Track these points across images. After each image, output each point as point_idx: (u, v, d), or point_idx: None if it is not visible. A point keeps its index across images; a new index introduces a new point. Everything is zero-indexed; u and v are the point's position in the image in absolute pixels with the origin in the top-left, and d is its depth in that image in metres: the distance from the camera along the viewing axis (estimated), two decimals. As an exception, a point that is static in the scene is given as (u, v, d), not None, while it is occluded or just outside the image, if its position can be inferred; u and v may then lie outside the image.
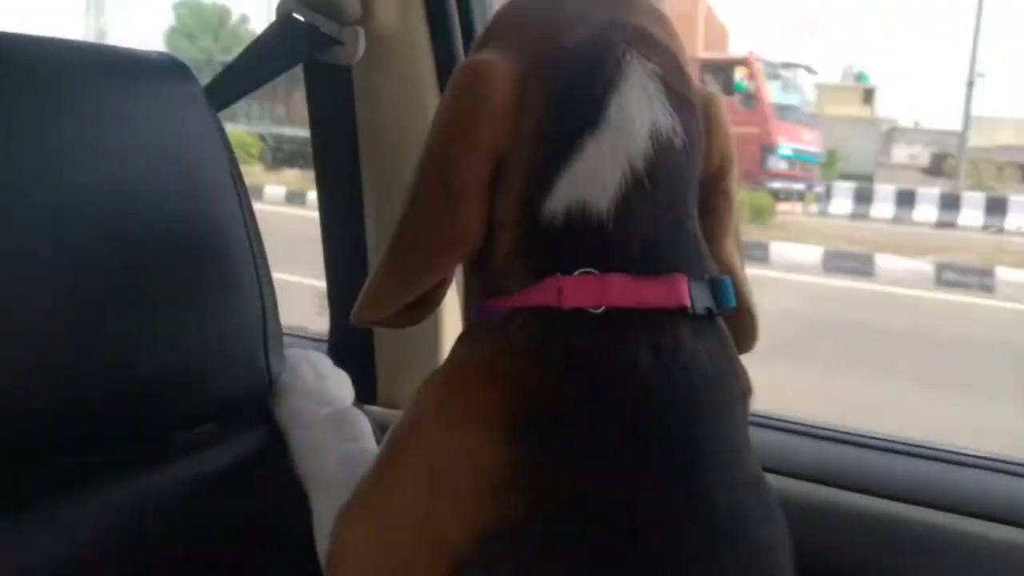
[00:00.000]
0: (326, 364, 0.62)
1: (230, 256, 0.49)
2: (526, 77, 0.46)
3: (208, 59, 10.32)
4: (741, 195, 0.56)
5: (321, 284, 0.91)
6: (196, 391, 0.48)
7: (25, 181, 0.38)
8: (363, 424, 0.57)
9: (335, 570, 0.47)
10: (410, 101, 0.84)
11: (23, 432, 0.38)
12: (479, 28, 0.85)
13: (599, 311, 0.43)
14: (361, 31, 0.78)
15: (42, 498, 0.40)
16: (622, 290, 0.43)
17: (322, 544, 0.49)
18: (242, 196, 0.50)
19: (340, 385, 0.62)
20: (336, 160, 0.61)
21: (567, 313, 0.43)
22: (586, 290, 0.43)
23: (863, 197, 9.35)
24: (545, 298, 0.44)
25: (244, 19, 13.43)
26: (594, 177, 0.45)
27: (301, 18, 0.79)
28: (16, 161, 0.37)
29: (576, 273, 0.44)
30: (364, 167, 0.85)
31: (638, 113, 0.46)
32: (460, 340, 0.50)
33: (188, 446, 0.49)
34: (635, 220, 0.45)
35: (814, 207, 9.40)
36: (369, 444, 0.55)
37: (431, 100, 0.83)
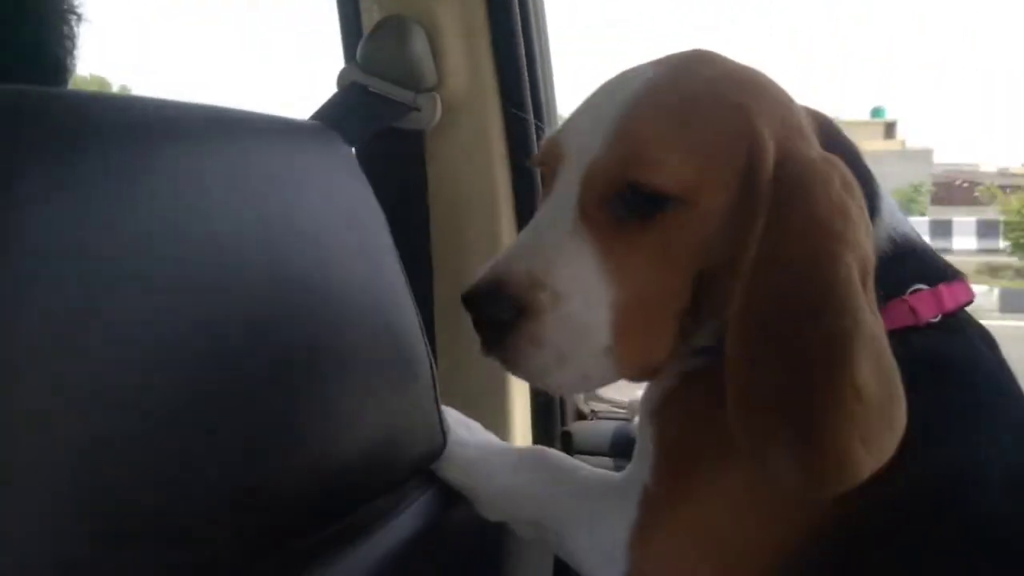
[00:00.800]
0: (455, 414, 0.62)
1: (402, 322, 0.49)
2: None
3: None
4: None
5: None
6: (387, 460, 0.48)
7: (204, 250, 0.37)
8: (555, 456, 0.57)
9: None
10: (479, 162, 0.84)
11: (221, 524, 0.37)
12: (545, 93, 0.85)
13: (936, 319, 0.49)
14: (438, 97, 0.79)
15: None
16: (949, 297, 0.49)
17: (596, 566, 0.51)
18: (397, 262, 0.50)
19: (483, 431, 0.62)
20: (405, 219, 0.60)
21: (922, 327, 0.48)
22: (929, 304, 0.49)
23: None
24: (902, 319, 0.48)
25: (124, 89, 13.56)
26: (895, 211, 0.52)
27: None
28: (185, 227, 0.37)
29: (911, 291, 0.49)
30: (433, 225, 0.86)
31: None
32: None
33: (376, 516, 0.49)
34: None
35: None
36: (585, 470, 0.56)
37: (499, 161, 0.84)
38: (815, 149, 0.47)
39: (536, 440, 0.94)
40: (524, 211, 0.85)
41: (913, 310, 0.48)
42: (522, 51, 0.82)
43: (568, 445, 0.93)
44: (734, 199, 0.46)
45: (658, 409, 0.51)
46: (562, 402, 0.93)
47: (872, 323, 0.42)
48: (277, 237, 0.41)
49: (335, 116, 0.80)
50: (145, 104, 0.41)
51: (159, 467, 0.33)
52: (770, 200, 0.44)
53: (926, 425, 0.42)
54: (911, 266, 0.50)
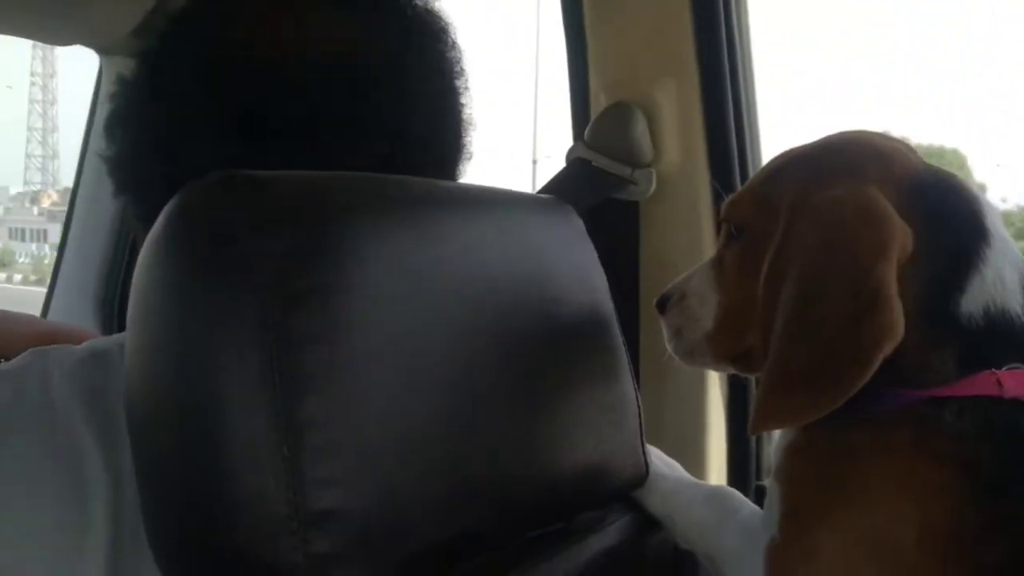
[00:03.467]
0: (657, 452, 0.69)
1: (619, 372, 0.58)
2: (899, 199, 0.54)
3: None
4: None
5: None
6: (597, 481, 0.55)
7: (480, 301, 0.48)
8: (739, 498, 0.63)
9: None
10: (689, 230, 0.93)
11: (450, 528, 0.45)
12: (752, 166, 0.93)
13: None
14: (653, 172, 0.89)
15: None
16: None
17: None
18: (614, 315, 0.60)
19: (681, 468, 0.70)
20: (617, 282, 0.70)
21: (1007, 401, 0.49)
22: (1021, 381, 0.50)
23: None
24: (986, 389, 0.50)
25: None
26: (1001, 281, 0.52)
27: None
28: (467, 284, 0.47)
29: (1005, 368, 0.50)
30: (643, 287, 0.95)
31: (1001, 224, 0.55)
32: (854, 426, 0.53)
33: (586, 527, 0.58)
34: None
35: None
36: (755, 515, 0.60)
37: (707, 228, 0.93)
38: (847, 187, 0.54)
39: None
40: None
41: (1000, 383, 0.49)
42: (732, 129, 0.91)
43: (761, 499, 0.97)
44: (775, 228, 0.56)
45: (783, 464, 0.56)
46: (757, 456, 0.98)
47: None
48: (528, 291, 0.52)
49: (563, 187, 0.92)
50: (429, 183, 0.55)
51: (425, 464, 0.43)
52: (784, 225, 0.55)
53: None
54: (1006, 343, 0.51)
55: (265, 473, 0.37)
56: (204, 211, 0.41)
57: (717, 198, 0.93)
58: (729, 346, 0.63)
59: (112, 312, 1.77)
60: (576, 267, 0.58)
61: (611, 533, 0.61)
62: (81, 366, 0.50)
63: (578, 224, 0.61)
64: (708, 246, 0.93)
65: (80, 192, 1.74)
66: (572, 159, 0.95)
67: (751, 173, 0.93)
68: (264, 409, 0.38)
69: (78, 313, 1.74)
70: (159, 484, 0.40)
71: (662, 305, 0.67)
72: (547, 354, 0.53)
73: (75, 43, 1.49)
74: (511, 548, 0.52)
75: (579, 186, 0.90)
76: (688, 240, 0.93)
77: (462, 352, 0.46)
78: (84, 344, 0.53)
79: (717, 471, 1.00)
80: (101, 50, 1.51)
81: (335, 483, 0.38)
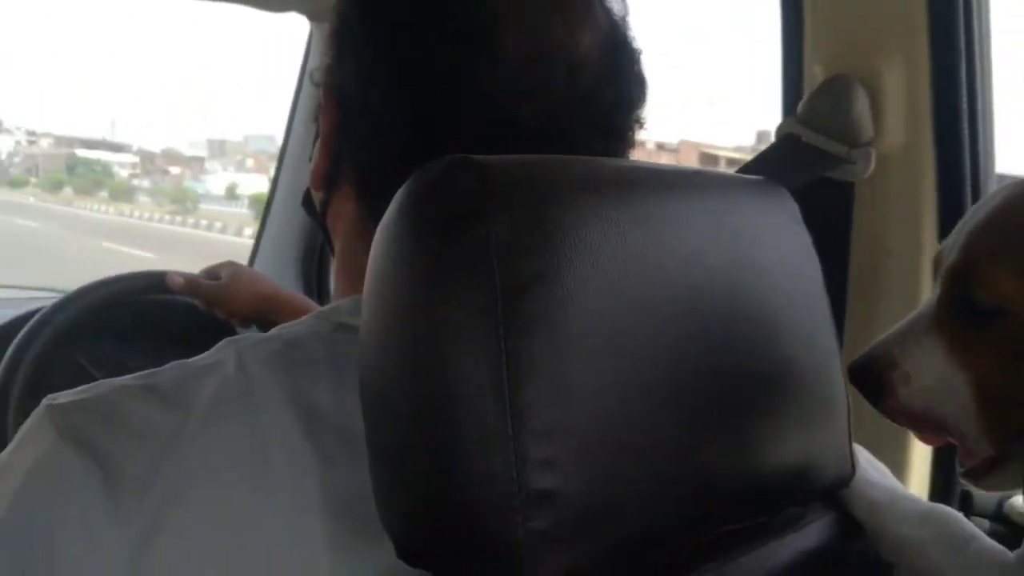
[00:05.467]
0: (865, 453, 0.66)
1: (828, 364, 0.56)
2: None
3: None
4: None
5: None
6: (801, 478, 0.54)
7: (691, 283, 0.47)
8: (958, 520, 0.60)
9: None
10: (907, 214, 0.87)
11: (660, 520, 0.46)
12: (984, 152, 0.86)
13: None
14: (872, 151, 0.84)
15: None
16: None
17: None
18: (827, 305, 0.58)
19: (890, 475, 0.66)
20: (826, 265, 0.67)
21: None
22: None
23: None
24: None
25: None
26: None
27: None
28: (680, 264, 0.47)
29: None
30: (852, 272, 0.90)
31: None
32: None
33: (787, 522, 0.57)
34: None
35: None
36: (979, 541, 0.58)
37: (928, 215, 0.86)
38: None
39: (932, 492, 0.93)
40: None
41: None
42: (963, 111, 0.83)
43: (967, 506, 0.91)
44: None
45: None
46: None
47: None
48: (740, 279, 0.51)
49: (771, 165, 0.88)
50: (642, 165, 0.54)
51: (638, 451, 0.44)
52: None
53: None
54: None
55: (492, 453, 0.39)
56: (435, 196, 0.43)
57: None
58: (1007, 423, 0.53)
59: (311, 270, 1.90)
60: (791, 255, 0.56)
61: (811, 533, 0.59)
62: (277, 356, 0.52)
63: (793, 209, 0.59)
64: (929, 236, 0.86)
65: (287, 154, 1.86)
66: (782, 135, 0.90)
67: (982, 160, 0.85)
68: (491, 391, 0.39)
69: (280, 267, 1.88)
70: (392, 458, 0.43)
71: (862, 373, 0.57)
72: (760, 345, 0.51)
73: (290, 10, 1.59)
74: (714, 537, 0.52)
75: (789, 164, 0.86)
76: (907, 225, 0.87)
77: (677, 341, 0.46)
78: (274, 332, 0.55)
79: (920, 472, 0.94)
80: (312, 16, 1.59)
81: (554, 465, 0.39)
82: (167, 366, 0.52)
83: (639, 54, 0.58)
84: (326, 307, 0.58)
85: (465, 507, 0.40)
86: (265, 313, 1.19)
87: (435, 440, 0.40)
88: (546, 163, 0.45)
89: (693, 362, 0.46)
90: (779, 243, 0.56)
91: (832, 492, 0.60)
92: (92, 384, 0.50)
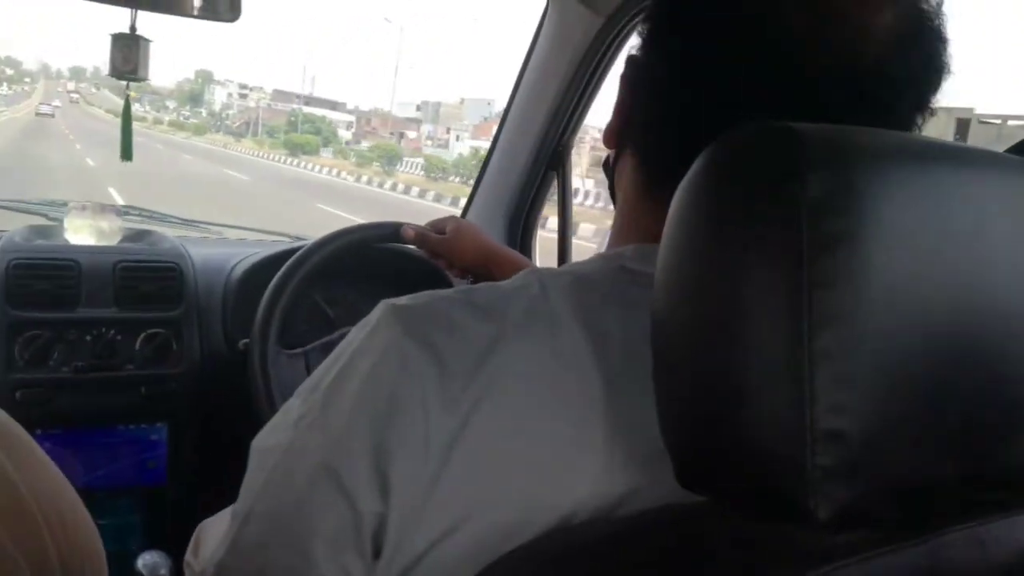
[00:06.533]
0: None
1: None
2: None
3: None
4: None
5: None
6: None
7: (978, 257, 0.49)
8: None
9: None
10: None
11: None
12: None
13: None
14: None
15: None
16: None
17: None
18: None
19: None
20: None
21: None
22: None
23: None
24: None
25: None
26: None
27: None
28: (971, 236, 0.48)
29: None
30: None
31: None
32: None
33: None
34: None
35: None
36: None
37: None
38: None
39: None
40: None
41: None
42: None
43: None
44: None
45: None
46: None
47: None
48: (1020, 253, 0.51)
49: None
50: (939, 141, 0.55)
51: (921, 406, 0.46)
52: None
53: None
54: None
55: (787, 392, 0.43)
56: (749, 154, 0.47)
57: None
58: None
59: (516, 228, 1.99)
60: None
61: None
62: (572, 286, 0.59)
63: None
64: None
65: (509, 119, 1.94)
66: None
67: None
68: (790, 338, 0.43)
69: (490, 223, 1.98)
70: (684, 388, 0.48)
71: None
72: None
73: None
74: (975, 502, 0.53)
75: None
76: None
77: (966, 310, 0.48)
78: (567, 267, 0.63)
79: None
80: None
81: (844, 408, 0.43)
82: (480, 285, 0.60)
83: (942, 38, 0.59)
84: (609, 252, 0.64)
85: (755, 440, 0.44)
86: (484, 266, 1.30)
87: (733, 376, 0.45)
88: (854, 132, 0.48)
89: (980, 333, 0.48)
90: None
91: None
92: (421, 294, 0.59)
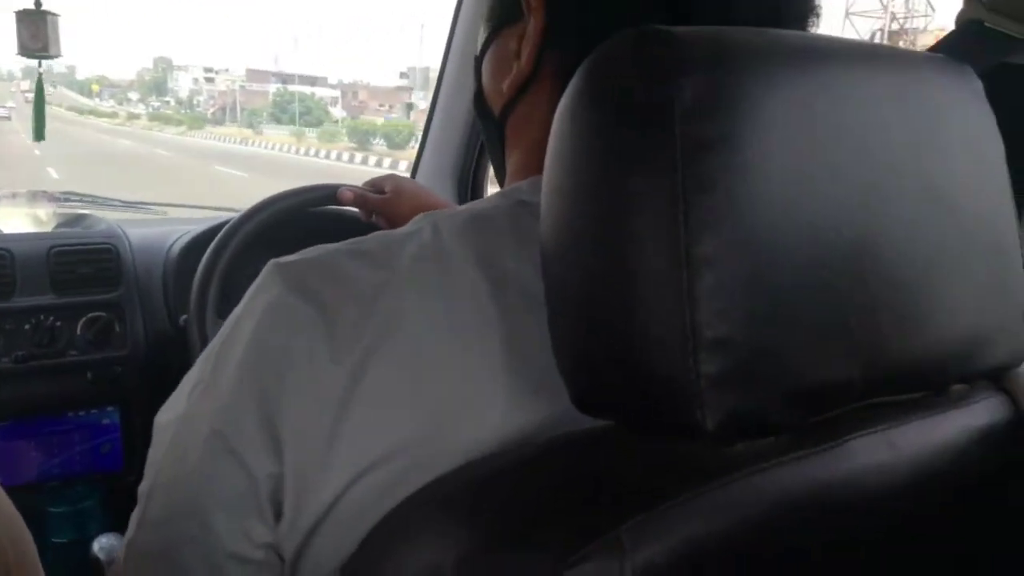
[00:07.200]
0: None
1: (1006, 245, 0.55)
2: None
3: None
4: None
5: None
6: (968, 357, 0.54)
7: (866, 156, 0.47)
8: None
9: None
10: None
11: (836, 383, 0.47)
12: None
13: None
14: (1066, 33, 0.78)
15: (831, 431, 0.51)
16: None
17: None
18: (1008, 185, 0.56)
19: None
20: (1012, 154, 0.64)
21: None
22: None
23: None
24: None
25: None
26: None
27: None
28: (859, 133, 0.47)
29: None
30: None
31: None
32: None
33: (952, 399, 0.58)
34: None
35: None
36: None
37: None
38: None
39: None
40: None
41: None
42: None
43: None
44: None
45: None
46: None
47: None
48: (923, 154, 0.50)
49: (952, 51, 0.84)
50: (824, 38, 0.54)
51: (809, 309, 0.45)
52: None
53: None
54: None
55: (667, 303, 0.42)
56: (618, 63, 0.45)
57: None
58: None
59: (466, 183, 1.97)
60: (975, 132, 0.55)
61: (978, 411, 0.60)
62: (466, 225, 0.58)
63: (976, 86, 0.57)
64: None
65: (445, 77, 1.91)
66: (963, 20, 0.85)
67: None
68: (667, 245, 0.42)
69: (438, 180, 1.96)
70: (572, 311, 0.47)
71: None
72: (938, 221, 0.51)
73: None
74: (876, 406, 0.53)
75: (971, 48, 0.82)
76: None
77: (856, 211, 0.47)
78: (465, 207, 0.61)
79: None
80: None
81: (727, 315, 0.42)
82: (371, 235, 0.58)
83: None
84: (507, 188, 0.63)
85: (640, 353, 0.43)
86: None
87: (613, 292, 0.44)
88: (732, 33, 0.46)
89: (869, 232, 0.47)
90: (963, 120, 0.55)
91: (1001, 372, 0.60)
92: (309, 248, 0.57)
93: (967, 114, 0.55)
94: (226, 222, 1.49)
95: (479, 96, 0.71)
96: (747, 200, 0.43)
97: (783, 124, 0.44)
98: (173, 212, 2.18)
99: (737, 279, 0.42)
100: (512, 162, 0.68)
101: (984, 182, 0.55)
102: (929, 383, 0.55)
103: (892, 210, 0.49)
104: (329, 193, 1.37)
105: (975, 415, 0.59)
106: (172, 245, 1.72)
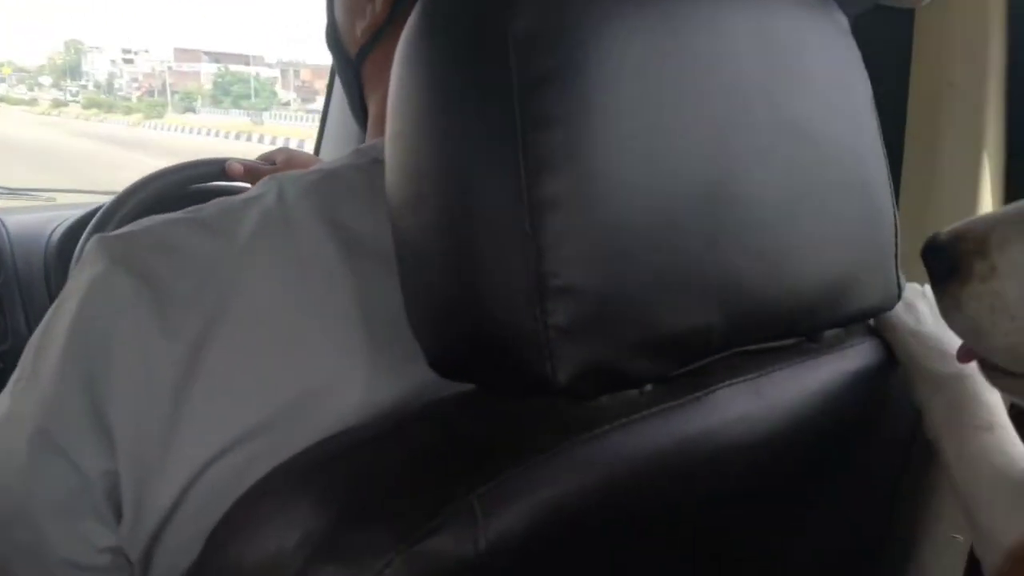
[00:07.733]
0: (916, 288, 0.64)
1: (874, 180, 0.54)
2: None
3: None
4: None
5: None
6: (840, 300, 0.53)
7: (726, 88, 0.45)
8: (975, 403, 0.56)
9: None
10: (975, 46, 0.82)
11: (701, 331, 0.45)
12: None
13: None
14: (935, -25, 0.78)
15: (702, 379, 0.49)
16: None
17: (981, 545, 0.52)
18: (876, 122, 0.55)
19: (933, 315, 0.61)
20: (884, 95, 0.63)
21: None
22: None
23: None
24: None
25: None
26: None
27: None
28: (716, 64, 0.45)
29: None
30: (911, 105, 0.86)
31: None
32: None
33: (827, 344, 0.57)
34: None
35: None
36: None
37: (995, 43, 0.81)
38: None
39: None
40: (1016, 95, 0.81)
41: None
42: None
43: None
44: None
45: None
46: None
47: None
48: (780, 85, 0.48)
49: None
50: None
51: (663, 253, 0.43)
52: None
53: None
54: None
55: (509, 249, 0.39)
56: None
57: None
58: None
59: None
60: (838, 66, 0.54)
61: (851, 355, 0.59)
62: (315, 185, 0.53)
63: (842, 21, 0.56)
64: (995, 66, 0.81)
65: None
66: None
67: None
68: (508, 188, 0.39)
69: (343, 150, 1.90)
70: (416, 261, 0.44)
71: (932, 254, 0.48)
72: (799, 156, 0.50)
73: None
74: (746, 353, 0.51)
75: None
76: (971, 56, 0.81)
77: (707, 143, 0.44)
78: (316, 167, 0.56)
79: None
80: None
81: (572, 262, 0.39)
82: (211, 202, 0.53)
83: None
84: (363, 144, 0.59)
85: (485, 305, 0.40)
86: None
87: (455, 240, 0.41)
88: None
89: (725, 169, 0.45)
90: (826, 53, 0.53)
91: (874, 315, 0.59)
92: (141, 220, 0.52)
93: (830, 48, 0.53)
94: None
95: (332, 31, 0.66)
96: (590, 137, 0.40)
97: (626, 54, 0.42)
98: (62, 198, 2.06)
99: (584, 222, 0.40)
100: (372, 113, 0.64)
101: (850, 118, 0.54)
102: (799, 328, 0.54)
103: (750, 145, 0.47)
104: (217, 168, 1.30)
105: (849, 360, 0.58)
106: (52, 232, 1.61)
